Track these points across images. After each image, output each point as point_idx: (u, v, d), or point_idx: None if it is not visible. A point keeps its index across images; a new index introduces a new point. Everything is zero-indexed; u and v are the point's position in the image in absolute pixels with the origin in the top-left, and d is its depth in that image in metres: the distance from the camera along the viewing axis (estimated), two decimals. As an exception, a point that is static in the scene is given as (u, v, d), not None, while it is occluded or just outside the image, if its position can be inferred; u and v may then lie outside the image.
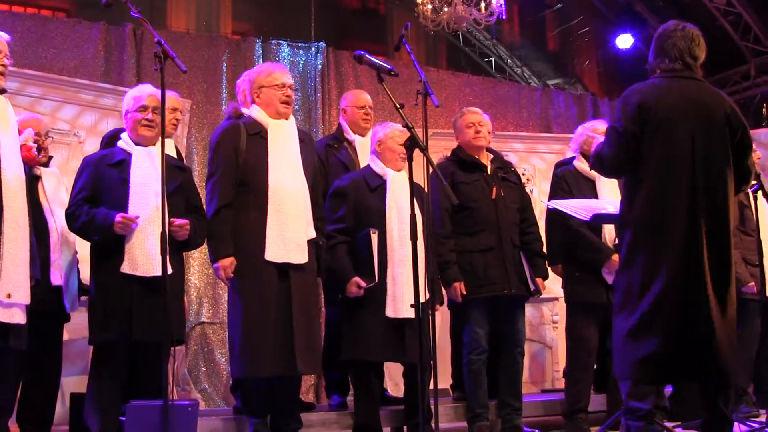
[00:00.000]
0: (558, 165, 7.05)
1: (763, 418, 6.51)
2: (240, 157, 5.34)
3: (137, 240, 5.03)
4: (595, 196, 6.22)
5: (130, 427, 4.54)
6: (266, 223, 5.26)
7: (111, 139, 5.62)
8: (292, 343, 5.21)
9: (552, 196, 6.55)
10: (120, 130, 5.52)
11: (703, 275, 4.33)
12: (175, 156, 5.85)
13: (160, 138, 4.66)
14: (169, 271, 4.53)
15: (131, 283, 5.02)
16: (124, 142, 5.30)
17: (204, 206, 5.49)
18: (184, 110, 8.50)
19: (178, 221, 5.14)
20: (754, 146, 7.42)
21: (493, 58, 13.40)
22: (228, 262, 5.22)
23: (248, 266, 5.25)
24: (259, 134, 5.41)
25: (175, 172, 5.32)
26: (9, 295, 4.43)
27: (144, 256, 5.02)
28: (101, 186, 5.20)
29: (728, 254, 4.46)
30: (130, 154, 5.22)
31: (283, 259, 5.27)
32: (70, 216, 5.18)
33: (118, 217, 4.98)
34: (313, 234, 5.46)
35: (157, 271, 4.80)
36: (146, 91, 5.35)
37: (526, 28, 13.62)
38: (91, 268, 5.27)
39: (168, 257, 4.49)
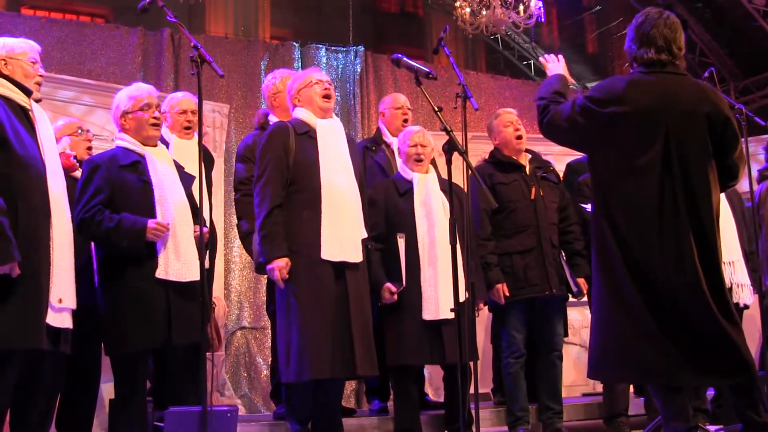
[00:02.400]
0: (570, 165, 7.04)
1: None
2: (290, 157, 5.28)
3: (172, 244, 4.95)
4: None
5: (169, 432, 4.53)
6: (320, 222, 5.19)
7: None
8: (352, 344, 5.14)
9: (574, 200, 6.51)
10: None
11: (694, 271, 4.23)
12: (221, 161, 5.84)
13: (192, 138, 4.63)
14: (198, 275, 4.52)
15: (167, 288, 4.94)
16: (128, 142, 5.17)
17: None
18: (223, 114, 8.55)
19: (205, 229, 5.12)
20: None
21: (532, 61, 13.36)
22: (283, 263, 5.11)
23: (303, 266, 5.16)
24: (307, 134, 5.36)
25: (183, 175, 5.27)
26: (60, 300, 4.46)
27: (180, 260, 4.95)
28: (117, 189, 5.03)
29: (715, 252, 4.36)
30: (141, 156, 5.13)
31: (339, 257, 5.20)
32: (89, 221, 4.94)
33: (152, 224, 4.88)
34: (365, 233, 5.43)
35: (192, 276, 4.81)
36: (145, 89, 5.28)
37: (565, 30, 13.58)
38: (107, 275, 5.10)
39: (206, 260, 4.47)
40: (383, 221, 5.82)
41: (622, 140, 4.36)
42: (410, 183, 5.89)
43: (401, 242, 5.69)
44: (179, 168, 5.29)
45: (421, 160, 5.91)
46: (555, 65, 4.93)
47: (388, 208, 5.84)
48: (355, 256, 5.29)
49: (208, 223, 5.22)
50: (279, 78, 6.14)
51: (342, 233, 5.23)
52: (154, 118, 5.17)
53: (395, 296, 5.65)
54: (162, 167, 5.12)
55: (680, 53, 4.55)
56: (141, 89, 5.29)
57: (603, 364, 4.45)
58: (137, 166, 5.08)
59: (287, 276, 5.13)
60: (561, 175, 6.89)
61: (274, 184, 5.22)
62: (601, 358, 4.45)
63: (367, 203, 5.75)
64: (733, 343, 4.22)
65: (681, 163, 4.31)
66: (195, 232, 5.02)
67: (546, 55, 5.01)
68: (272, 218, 5.17)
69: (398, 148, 6.06)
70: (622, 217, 4.34)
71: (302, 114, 5.46)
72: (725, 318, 4.24)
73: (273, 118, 5.99)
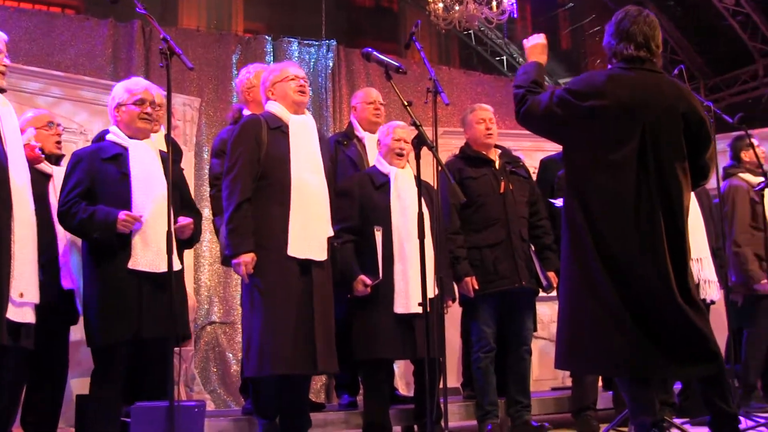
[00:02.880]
0: (543, 162, 7.09)
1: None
2: (261, 151, 5.25)
3: (144, 236, 4.95)
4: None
5: (135, 428, 4.46)
6: (289, 218, 5.17)
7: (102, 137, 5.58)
8: (314, 341, 5.14)
9: (550, 194, 6.54)
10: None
11: (664, 267, 4.27)
12: (165, 150, 5.81)
13: (158, 131, 4.62)
14: (178, 267, 4.50)
15: (139, 280, 4.94)
16: (115, 135, 5.19)
17: (194, 202, 5.46)
18: (194, 108, 8.52)
19: (183, 221, 5.11)
20: (756, 142, 7.46)
21: (505, 57, 13.38)
22: (249, 258, 5.08)
23: (270, 262, 5.14)
24: (279, 129, 5.33)
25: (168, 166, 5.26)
26: (21, 294, 4.41)
27: (151, 252, 4.94)
28: (98, 181, 5.05)
29: (685, 249, 4.41)
30: (125, 148, 5.12)
31: (306, 254, 5.19)
32: (65, 214, 5.01)
33: (122, 215, 4.87)
34: (331, 231, 5.43)
35: (165, 267, 4.76)
36: (142, 84, 5.28)
37: (538, 26, 13.59)
38: (90, 267, 5.11)
39: (175, 253, 4.45)
40: (357, 213, 5.81)
41: (599, 134, 4.40)
42: (386, 176, 5.88)
43: (378, 235, 5.69)
44: (165, 157, 5.25)
45: (402, 155, 5.92)
46: (536, 37, 4.95)
47: (363, 200, 5.83)
48: (321, 254, 5.28)
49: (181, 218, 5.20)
50: (253, 73, 6.12)
51: (310, 231, 5.22)
52: (146, 113, 5.16)
53: (368, 289, 5.64)
54: (145, 159, 5.11)
55: (658, 51, 4.62)
56: (138, 83, 5.31)
57: (574, 355, 4.47)
58: (119, 158, 5.09)
59: (252, 271, 5.11)
60: (533, 171, 6.93)
61: (244, 177, 5.19)
62: (571, 349, 4.47)
63: (342, 194, 5.80)
64: (701, 333, 4.28)
65: (656, 159, 4.36)
66: (176, 224, 5.02)
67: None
68: (241, 212, 5.13)
69: (379, 140, 6.04)
70: (598, 210, 4.37)
71: (275, 108, 5.43)
72: (693, 311, 4.29)
73: (247, 113, 5.97)
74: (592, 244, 4.34)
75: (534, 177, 6.87)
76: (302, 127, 5.41)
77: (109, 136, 5.23)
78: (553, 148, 7.82)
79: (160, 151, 5.26)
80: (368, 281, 5.63)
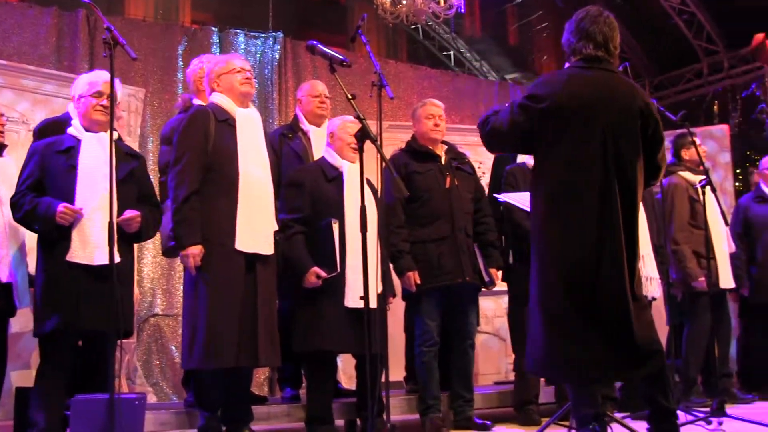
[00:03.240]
0: (498, 158, 7.13)
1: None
2: (209, 143, 5.24)
3: (84, 228, 4.93)
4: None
5: (75, 421, 4.46)
6: (236, 212, 5.17)
7: (44, 128, 5.53)
8: (256, 335, 5.15)
9: (499, 190, 6.59)
10: (53, 120, 5.44)
11: (622, 271, 4.34)
12: (135, 146, 5.76)
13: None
14: (117, 260, 4.46)
15: (77, 272, 4.92)
16: (75, 128, 5.19)
17: (157, 196, 5.43)
18: (138, 99, 8.45)
19: (127, 214, 5.06)
20: (699, 140, 7.56)
21: (452, 52, 13.41)
22: (197, 250, 5.08)
23: (216, 255, 5.14)
24: (226, 121, 5.33)
25: (126, 159, 5.23)
26: None
27: (90, 244, 4.92)
28: (47, 173, 5.07)
29: (637, 249, 4.46)
30: (79, 141, 5.11)
31: (252, 249, 5.21)
32: (14, 205, 5.06)
33: (60, 208, 4.86)
34: (276, 226, 5.43)
35: (104, 260, 4.74)
36: (102, 77, 5.24)
37: (487, 22, 13.63)
38: (38, 258, 5.14)
39: (115, 246, 4.42)
40: (308, 204, 5.77)
41: (561, 134, 4.41)
42: (338, 170, 5.86)
43: (336, 228, 5.67)
44: (124, 151, 5.30)
45: (357, 150, 5.91)
46: None
47: (314, 192, 5.79)
48: (268, 248, 5.30)
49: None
50: (205, 62, 6.08)
51: (257, 225, 5.24)
52: (102, 105, 5.12)
53: (320, 282, 5.62)
54: (95, 152, 5.07)
55: (616, 52, 4.65)
56: (100, 76, 5.27)
57: (545, 362, 4.47)
58: (70, 150, 5.09)
59: (200, 263, 5.10)
60: (478, 166, 6.97)
61: (192, 169, 5.18)
62: (542, 355, 4.49)
63: (292, 185, 5.82)
64: (647, 333, 4.35)
65: (617, 159, 4.39)
66: (123, 216, 4.98)
67: None
68: (189, 204, 5.12)
69: (332, 133, 5.99)
70: (565, 211, 4.39)
71: (221, 100, 5.42)
72: (640, 309, 4.35)
73: (198, 102, 5.93)
74: (554, 246, 4.39)
75: (479, 173, 6.91)
76: (249, 121, 5.41)
77: (69, 129, 5.21)
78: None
79: (122, 144, 5.25)
80: (323, 273, 5.60)
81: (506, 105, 4.63)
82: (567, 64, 4.71)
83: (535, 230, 4.54)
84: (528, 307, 4.54)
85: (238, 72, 5.45)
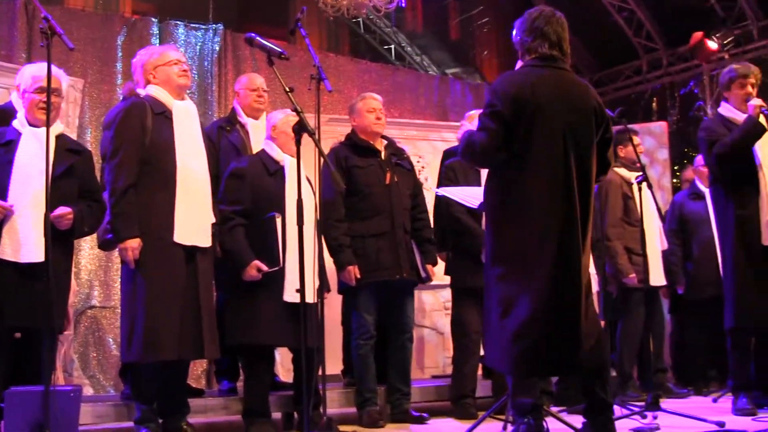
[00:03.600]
0: (446, 152, 7.15)
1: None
2: (146, 136, 5.22)
3: (14, 225, 4.92)
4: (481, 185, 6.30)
5: (9, 413, 4.43)
6: (174, 205, 5.17)
7: None
8: (200, 327, 5.17)
9: (439, 185, 6.63)
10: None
11: (578, 268, 4.42)
12: (74, 137, 5.71)
13: (56, 120, 4.58)
14: (41, 258, 4.44)
15: (6, 269, 4.91)
16: (19, 121, 5.18)
17: (100, 191, 5.40)
18: (77, 89, 8.36)
19: (58, 211, 5.01)
20: (638, 139, 7.68)
21: (393, 46, 13.41)
22: (136, 243, 5.07)
23: (155, 248, 5.13)
24: (163, 114, 5.32)
25: (67, 154, 5.20)
26: None
27: (18, 242, 4.91)
28: None
29: (587, 244, 4.56)
30: (20, 134, 5.09)
31: (191, 241, 5.21)
32: None
33: None
34: (213, 218, 5.43)
35: (33, 258, 4.76)
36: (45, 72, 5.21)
37: (428, 16, 13.65)
38: None
39: (44, 243, 4.42)
40: (249, 197, 5.76)
41: (529, 133, 4.47)
42: (279, 163, 5.85)
43: (279, 222, 5.66)
44: (66, 146, 5.28)
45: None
46: None
47: (255, 185, 5.78)
48: (206, 240, 5.31)
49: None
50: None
51: (195, 217, 5.25)
52: (44, 101, 5.00)
53: (261, 275, 5.61)
54: (33, 147, 5.03)
55: (568, 52, 4.74)
56: (42, 70, 5.12)
57: (499, 355, 4.53)
58: (9, 144, 5.07)
59: (138, 256, 5.09)
60: (416, 160, 7.01)
61: (129, 162, 5.17)
62: (497, 348, 4.54)
63: (234, 176, 5.81)
64: (593, 328, 4.49)
65: (577, 156, 4.48)
66: (54, 213, 4.93)
67: None
68: (127, 197, 5.11)
69: (274, 126, 5.96)
70: (527, 208, 4.46)
71: (157, 92, 5.41)
72: (587, 306, 4.46)
73: (142, 92, 5.90)
74: (514, 242, 4.48)
75: (419, 167, 6.95)
76: (185, 113, 5.40)
77: (14, 122, 5.20)
78: (439, 138, 7.94)
79: (68, 138, 5.24)
80: (264, 267, 5.60)
81: (477, 122, 4.70)
82: (520, 63, 4.77)
83: (494, 226, 4.61)
84: (483, 303, 4.64)
85: (175, 64, 5.44)
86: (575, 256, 4.40)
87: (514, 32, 4.84)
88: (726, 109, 6.49)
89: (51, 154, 4.87)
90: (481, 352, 6.56)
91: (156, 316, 5.05)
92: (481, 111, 4.76)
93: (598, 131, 4.63)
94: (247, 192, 5.77)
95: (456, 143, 6.74)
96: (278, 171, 5.83)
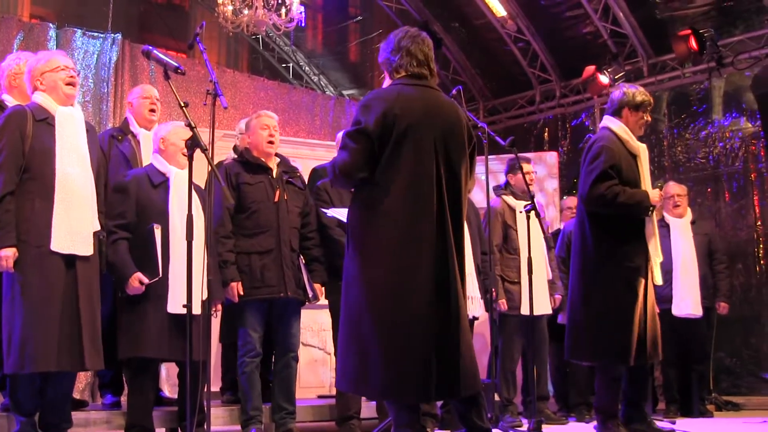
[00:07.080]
0: (315, 170, 7.21)
1: (524, 428, 6.75)
2: (26, 144, 5.14)
3: None
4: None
5: None
6: (53, 213, 5.09)
7: None
8: (80, 337, 5.09)
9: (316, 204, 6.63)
10: None
11: (456, 291, 4.43)
12: None
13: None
14: None
15: None
16: None
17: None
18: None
19: None
20: (531, 167, 7.80)
21: (291, 64, 13.45)
22: (11, 252, 4.99)
23: (32, 257, 5.06)
24: (45, 120, 5.24)
25: None
26: None
27: None
28: None
29: (464, 269, 4.58)
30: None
31: (69, 250, 5.13)
32: None
33: None
34: (98, 226, 5.35)
35: None
36: None
37: (328, 37, 13.74)
38: None
39: None
40: (133, 210, 5.73)
41: (399, 149, 4.46)
42: (164, 176, 5.83)
43: (157, 233, 5.64)
44: None
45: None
46: None
47: (139, 198, 5.75)
48: (86, 249, 5.23)
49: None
50: (23, 60, 5.92)
51: (73, 225, 5.16)
52: None
53: (143, 287, 5.58)
54: None
55: (434, 71, 4.76)
56: None
57: (362, 380, 4.48)
58: None
59: (12, 265, 5.02)
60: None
61: (7, 170, 5.09)
62: (360, 374, 4.48)
63: (117, 191, 5.76)
64: (469, 355, 4.45)
65: (447, 177, 4.51)
66: None
67: None
68: (3, 206, 5.04)
69: (163, 138, 5.93)
70: (393, 231, 4.43)
71: (42, 99, 5.33)
72: (464, 333, 4.44)
73: (8, 98, 5.81)
74: (383, 263, 4.44)
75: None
76: (69, 120, 5.32)
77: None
78: (327, 157, 7.97)
79: None
80: (145, 279, 5.57)
81: (340, 143, 4.68)
82: (387, 81, 4.79)
83: (359, 245, 4.55)
84: (341, 323, 4.59)
85: (62, 70, 5.37)
86: (449, 275, 4.41)
87: (379, 53, 4.85)
88: (622, 130, 6.12)
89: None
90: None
91: (32, 327, 4.97)
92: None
93: (468, 148, 4.71)
94: (130, 206, 5.74)
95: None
96: (162, 183, 5.82)
